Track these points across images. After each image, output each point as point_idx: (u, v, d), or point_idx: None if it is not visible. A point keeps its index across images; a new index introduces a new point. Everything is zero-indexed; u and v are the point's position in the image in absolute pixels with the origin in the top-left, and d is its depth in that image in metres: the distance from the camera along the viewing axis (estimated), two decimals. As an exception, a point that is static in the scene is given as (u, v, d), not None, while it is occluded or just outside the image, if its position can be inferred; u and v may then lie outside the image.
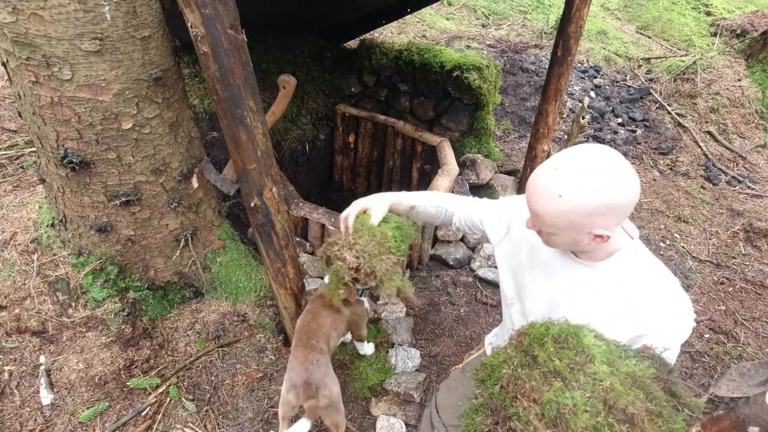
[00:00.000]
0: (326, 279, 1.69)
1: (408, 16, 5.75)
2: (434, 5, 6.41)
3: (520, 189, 3.34)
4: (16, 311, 1.90)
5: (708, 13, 6.80)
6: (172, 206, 1.95)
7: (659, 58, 5.81)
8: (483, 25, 6.37)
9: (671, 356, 1.00)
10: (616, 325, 1.02)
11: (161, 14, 1.65)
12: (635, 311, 1.02)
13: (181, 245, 2.08)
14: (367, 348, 2.18)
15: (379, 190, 4.07)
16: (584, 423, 0.82)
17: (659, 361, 0.93)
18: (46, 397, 1.81)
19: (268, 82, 3.30)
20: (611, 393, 0.84)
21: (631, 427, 0.80)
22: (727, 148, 4.42)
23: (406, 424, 1.97)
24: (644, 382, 0.86)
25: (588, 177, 0.90)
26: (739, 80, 4.83)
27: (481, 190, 3.43)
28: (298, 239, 2.66)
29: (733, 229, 3.49)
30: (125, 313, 2.01)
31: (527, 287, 1.23)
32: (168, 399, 1.91)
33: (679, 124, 4.70)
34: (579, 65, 5.53)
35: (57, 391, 1.83)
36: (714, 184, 4.00)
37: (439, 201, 1.49)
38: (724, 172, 4.15)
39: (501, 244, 1.32)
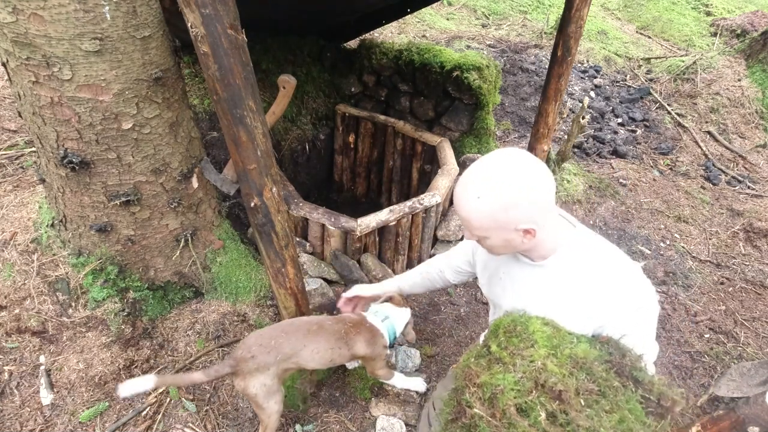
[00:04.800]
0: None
1: (408, 16, 5.74)
2: (434, 5, 6.41)
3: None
4: (16, 311, 1.90)
5: (708, 13, 6.80)
6: (172, 206, 1.95)
7: (659, 58, 5.81)
8: (483, 25, 6.37)
9: (635, 341, 1.01)
10: (576, 320, 1.05)
11: (161, 14, 1.65)
12: (589, 304, 1.06)
13: (181, 245, 2.08)
14: (396, 380, 1.96)
15: (379, 190, 4.08)
16: (512, 401, 0.87)
17: (615, 347, 0.96)
18: (46, 397, 1.81)
19: (268, 82, 3.30)
20: (543, 373, 0.88)
21: (560, 403, 0.84)
22: (727, 148, 4.42)
23: (406, 424, 1.97)
24: (586, 364, 0.89)
25: (499, 175, 0.98)
26: (739, 80, 4.83)
27: (481, 190, 3.43)
28: (298, 239, 2.66)
29: (733, 229, 3.49)
30: (125, 313, 2.01)
31: (499, 297, 1.29)
32: (168, 399, 1.91)
33: (679, 124, 4.69)
34: (579, 65, 5.52)
35: (57, 391, 1.83)
36: (714, 184, 4.00)
37: (426, 270, 1.68)
38: (724, 172, 4.14)
39: (476, 265, 1.42)
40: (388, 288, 1.76)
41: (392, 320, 1.75)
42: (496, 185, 0.97)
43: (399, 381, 1.95)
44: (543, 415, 0.83)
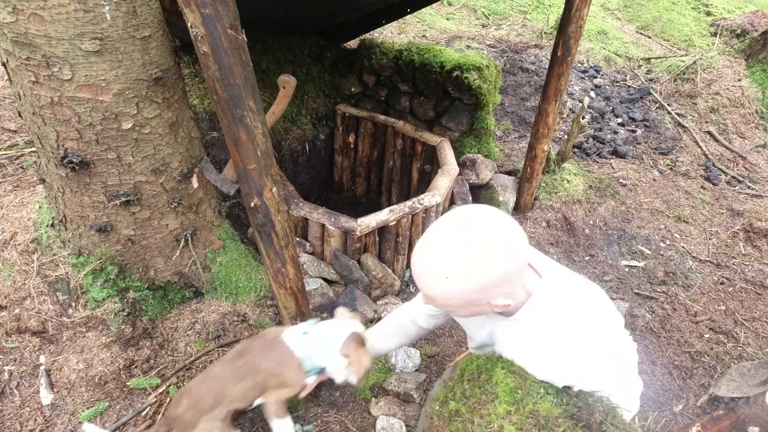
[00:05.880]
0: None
1: (408, 16, 5.74)
2: (434, 5, 6.40)
3: (520, 189, 3.34)
4: (16, 311, 1.90)
5: (708, 13, 6.80)
6: (172, 206, 1.95)
7: (659, 58, 5.81)
8: (483, 25, 6.37)
9: (610, 391, 0.96)
10: (545, 373, 0.98)
11: (161, 14, 1.65)
12: (557, 362, 0.98)
13: (181, 245, 2.08)
14: (281, 427, 1.52)
15: (379, 190, 4.08)
16: None
17: (584, 401, 0.92)
18: (46, 397, 1.81)
19: (268, 82, 3.30)
20: None
21: None
22: (727, 148, 4.42)
23: (406, 424, 1.97)
24: (548, 423, 0.85)
25: (472, 252, 0.85)
26: (739, 80, 4.83)
27: (481, 190, 3.43)
28: (298, 239, 2.66)
29: (733, 229, 3.49)
30: (125, 313, 2.01)
31: (471, 330, 1.24)
32: (168, 399, 1.91)
33: (679, 124, 4.69)
34: (579, 65, 5.52)
35: (57, 391, 1.83)
36: (714, 184, 4.00)
37: (397, 321, 1.46)
38: (724, 172, 4.14)
39: None
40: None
41: (316, 338, 1.39)
42: (469, 265, 0.85)
43: (281, 428, 1.53)
44: None
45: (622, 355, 1.04)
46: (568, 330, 0.96)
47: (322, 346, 1.37)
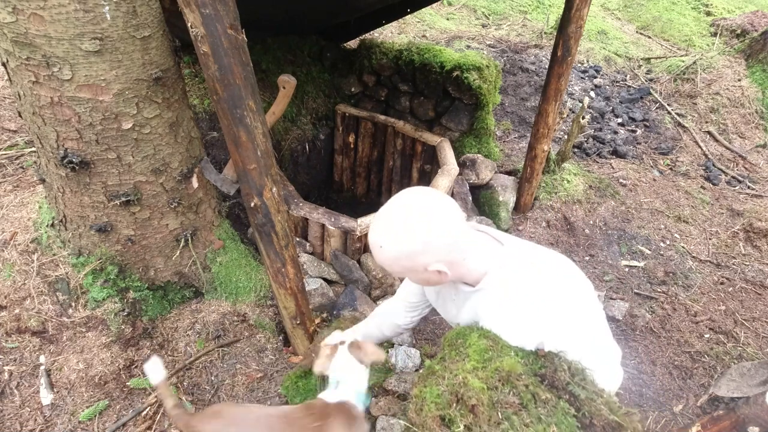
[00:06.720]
0: None
1: (408, 16, 5.74)
2: (434, 5, 6.40)
3: (520, 189, 3.34)
4: (16, 311, 1.90)
5: (708, 13, 6.79)
6: (172, 206, 1.95)
7: (659, 58, 5.81)
8: (483, 25, 6.37)
9: (580, 354, 1.01)
10: (515, 337, 1.05)
11: (161, 14, 1.65)
12: (521, 323, 1.05)
13: (181, 245, 2.08)
14: None
15: (379, 190, 4.08)
16: (432, 414, 0.96)
17: (551, 361, 1.00)
18: (46, 397, 1.81)
19: (268, 82, 3.30)
20: (462, 387, 0.95)
21: (474, 417, 0.92)
22: (727, 148, 4.42)
23: (406, 424, 1.97)
24: (511, 378, 0.94)
25: (398, 223, 0.99)
26: (739, 80, 4.83)
27: (481, 190, 3.43)
28: (298, 239, 2.66)
29: (733, 229, 3.49)
30: (125, 313, 2.01)
31: (455, 316, 1.31)
32: (168, 399, 1.91)
33: (679, 124, 4.69)
34: (579, 65, 5.52)
35: (57, 391, 1.83)
36: (714, 184, 3.99)
37: (381, 319, 1.58)
38: (724, 172, 4.14)
39: (427, 292, 1.43)
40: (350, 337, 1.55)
41: (350, 383, 1.40)
42: (396, 234, 0.99)
43: None
44: (461, 427, 0.90)
45: (591, 316, 1.07)
46: (528, 291, 1.04)
47: (356, 389, 1.40)
